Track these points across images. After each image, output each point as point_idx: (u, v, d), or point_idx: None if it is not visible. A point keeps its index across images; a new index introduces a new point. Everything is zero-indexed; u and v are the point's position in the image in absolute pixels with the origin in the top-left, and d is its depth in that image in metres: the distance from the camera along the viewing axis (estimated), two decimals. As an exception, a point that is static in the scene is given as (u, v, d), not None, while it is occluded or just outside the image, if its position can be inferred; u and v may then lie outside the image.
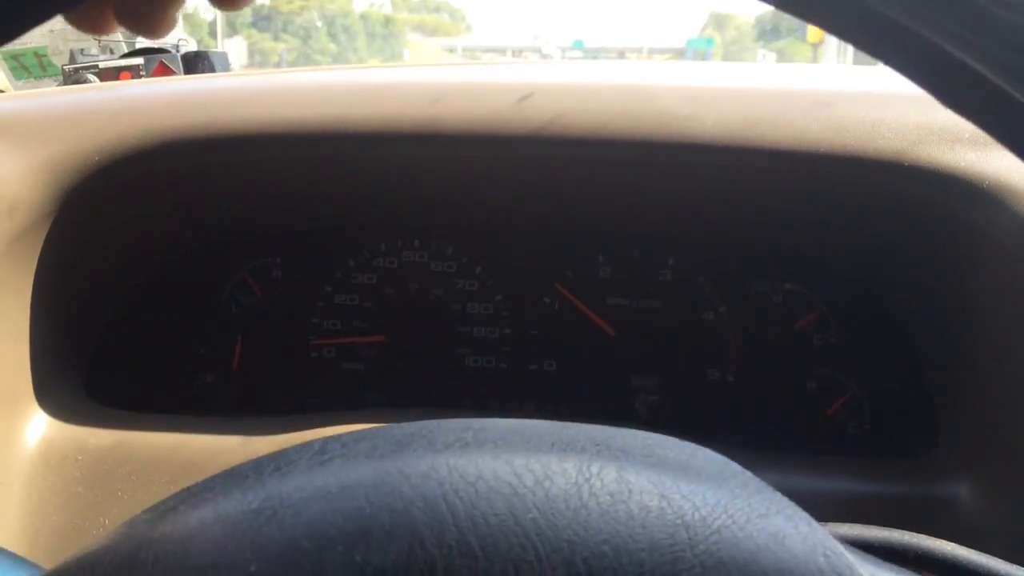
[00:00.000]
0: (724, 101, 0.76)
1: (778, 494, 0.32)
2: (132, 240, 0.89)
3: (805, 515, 0.31)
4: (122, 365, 0.92)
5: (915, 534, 0.47)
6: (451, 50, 75.27)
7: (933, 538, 0.47)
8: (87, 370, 0.89)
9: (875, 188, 0.74)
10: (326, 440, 0.34)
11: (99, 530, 0.76)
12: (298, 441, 0.78)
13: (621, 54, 73.64)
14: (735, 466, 0.34)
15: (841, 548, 0.30)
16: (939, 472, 0.77)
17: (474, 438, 0.33)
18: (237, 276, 0.98)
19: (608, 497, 0.28)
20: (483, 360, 0.97)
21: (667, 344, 0.94)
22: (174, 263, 0.95)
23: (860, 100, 0.76)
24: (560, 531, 0.26)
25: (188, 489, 0.32)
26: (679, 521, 0.27)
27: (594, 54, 71.87)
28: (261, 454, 0.84)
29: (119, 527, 0.30)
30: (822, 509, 0.76)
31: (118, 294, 0.91)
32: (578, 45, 66.73)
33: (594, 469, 0.30)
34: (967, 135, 0.70)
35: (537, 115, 0.74)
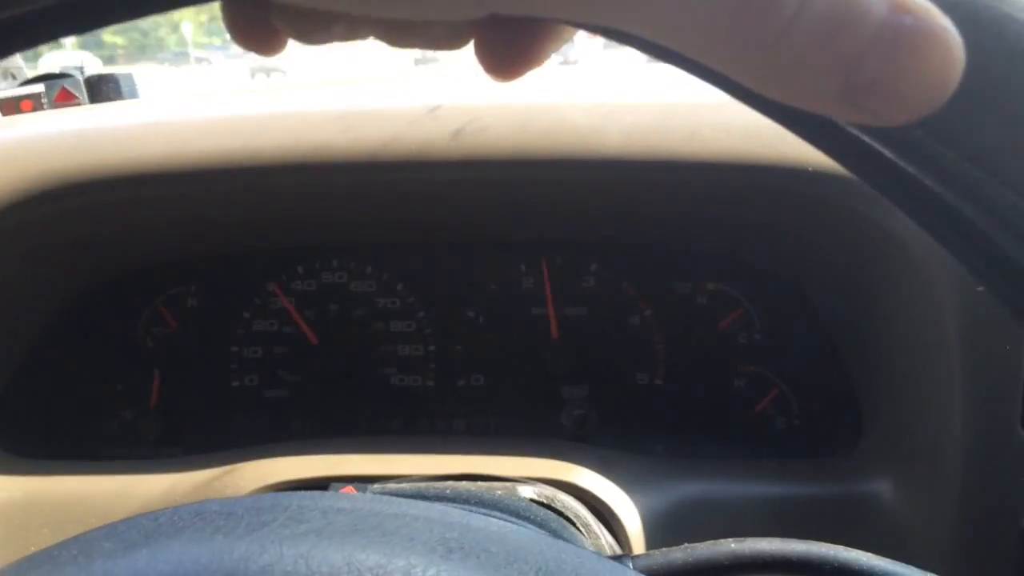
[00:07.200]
0: (629, 114, 0.75)
1: None
2: (33, 279, 0.85)
3: None
4: (33, 409, 0.89)
5: (831, 546, 0.46)
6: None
7: (846, 548, 0.46)
8: (-5, 418, 0.85)
9: (783, 192, 0.74)
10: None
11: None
12: (214, 479, 0.76)
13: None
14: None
15: None
16: (862, 470, 0.78)
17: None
18: (150, 308, 0.95)
19: None
20: (409, 379, 0.95)
21: (595, 351, 0.94)
22: (82, 299, 0.91)
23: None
24: None
25: None
26: None
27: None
28: (177, 495, 0.80)
29: None
30: (749, 514, 0.76)
31: (24, 336, 0.88)
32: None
33: None
34: (870, 137, 0.70)
35: (437, 136, 0.72)
